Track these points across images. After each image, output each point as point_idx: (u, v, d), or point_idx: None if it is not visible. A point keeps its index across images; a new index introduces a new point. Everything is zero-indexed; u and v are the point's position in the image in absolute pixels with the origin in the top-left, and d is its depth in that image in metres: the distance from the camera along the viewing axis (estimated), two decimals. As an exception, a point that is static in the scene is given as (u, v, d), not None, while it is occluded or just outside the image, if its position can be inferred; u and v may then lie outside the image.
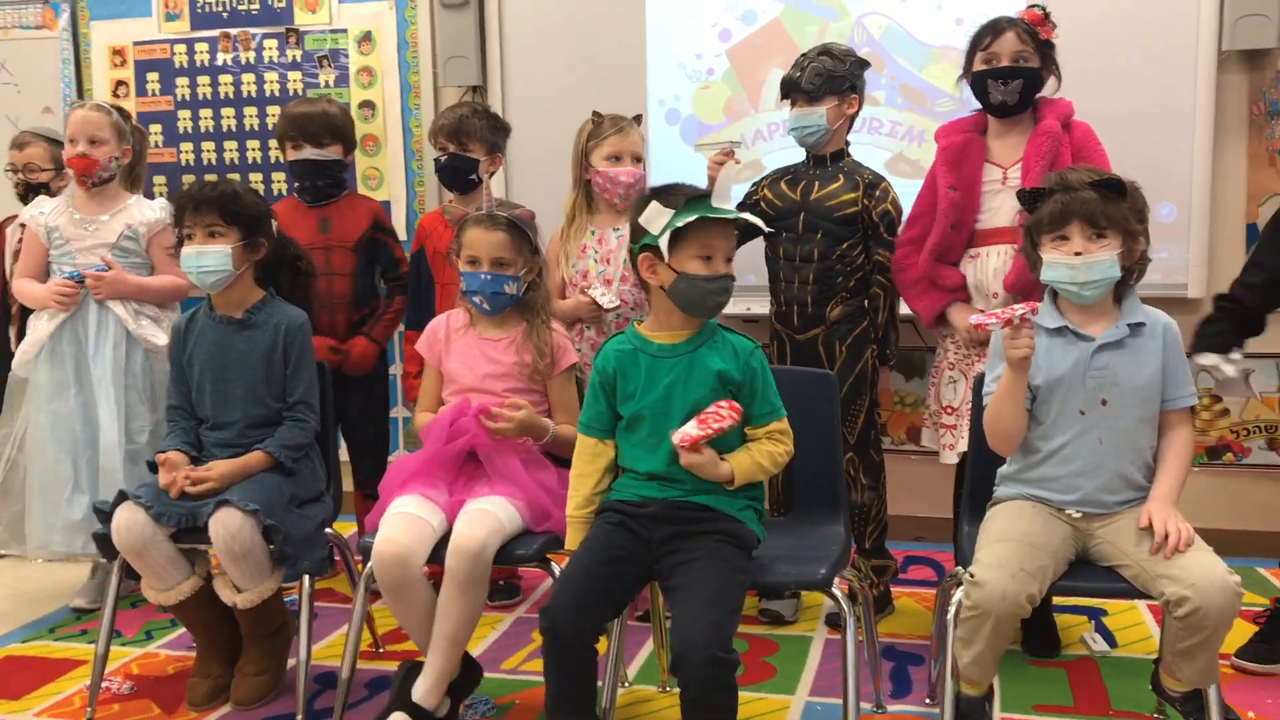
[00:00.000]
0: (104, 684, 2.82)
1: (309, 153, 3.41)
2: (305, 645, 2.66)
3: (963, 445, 2.85)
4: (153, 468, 2.74)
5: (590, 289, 3.10)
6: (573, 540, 2.32)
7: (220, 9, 4.37)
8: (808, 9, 3.90)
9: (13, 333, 3.66)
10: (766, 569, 2.29)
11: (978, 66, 2.88)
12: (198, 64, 4.41)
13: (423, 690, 2.44)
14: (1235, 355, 2.69)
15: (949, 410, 2.97)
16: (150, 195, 4.25)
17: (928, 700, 2.71)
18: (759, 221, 2.25)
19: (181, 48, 4.42)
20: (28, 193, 3.67)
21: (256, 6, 4.34)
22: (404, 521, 2.43)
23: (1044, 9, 2.88)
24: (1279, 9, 3.50)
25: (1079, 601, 3.25)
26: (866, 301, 3.14)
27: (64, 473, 3.20)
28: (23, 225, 3.46)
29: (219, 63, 4.39)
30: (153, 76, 4.45)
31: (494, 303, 2.65)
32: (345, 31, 4.28)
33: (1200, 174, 3.62)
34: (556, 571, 2.38)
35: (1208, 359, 2.69)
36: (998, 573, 2.15)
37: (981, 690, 2.31)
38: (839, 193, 3.09)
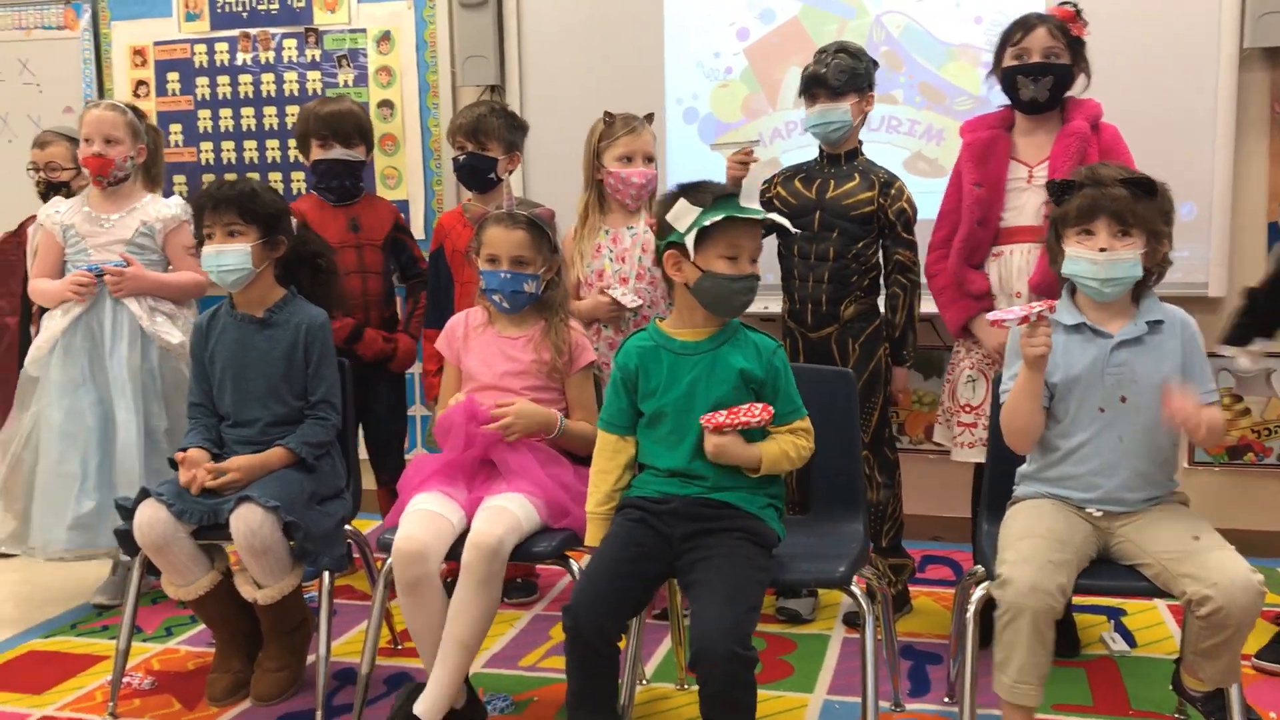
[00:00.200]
0: (125, 679, 2.84)
1: (339, 152, 3.41)
2: (325, 641, 2.67)
3: (983, 449, 2.84)
4: (173, 465, 2.76)
5: (610, 289, 3.10)
6: (593, 537, 2.33)
7: (240, 9, 4.39)
8: (826, 7, 3.89)
9: (34, 331, 3.68)
10: (785, 566, 2.29)
11: (1008, 62, 2.86)
12: (218, 64, 4.43)
13: (426, 705, 2.38)
14: (1254, 347, 2.67)
15: (967, 409, 2.96)
16: (170, 194, 4.30)
17: (946, 699, 2.70)
18: (786, 222, 2.25)
19: (201, 48, 4.44)
20: (49, 191, 3.69)
21: (276, 6, 4.36)
22: (424, 518, 2.44)
23: (1076, 5, 2.85)
24: (1301, 6, 3.49)
25: (1098, 601, 3.24)
26: (884, 300, 3.13)
27: (72, 470, 3.21)
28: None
29: (239, 62, 4.41)
30: (173, 76, 4.48)
31: (513, 301, 2.65)
32: (364, 31, 4.30)
33: (1221, 172, 3.61)
34: (575, 569, 2.39)
35: (1227, 350, 2.69)
36: (1024, 568, 2.13)
37: None
38: (855, 191, 3.08)
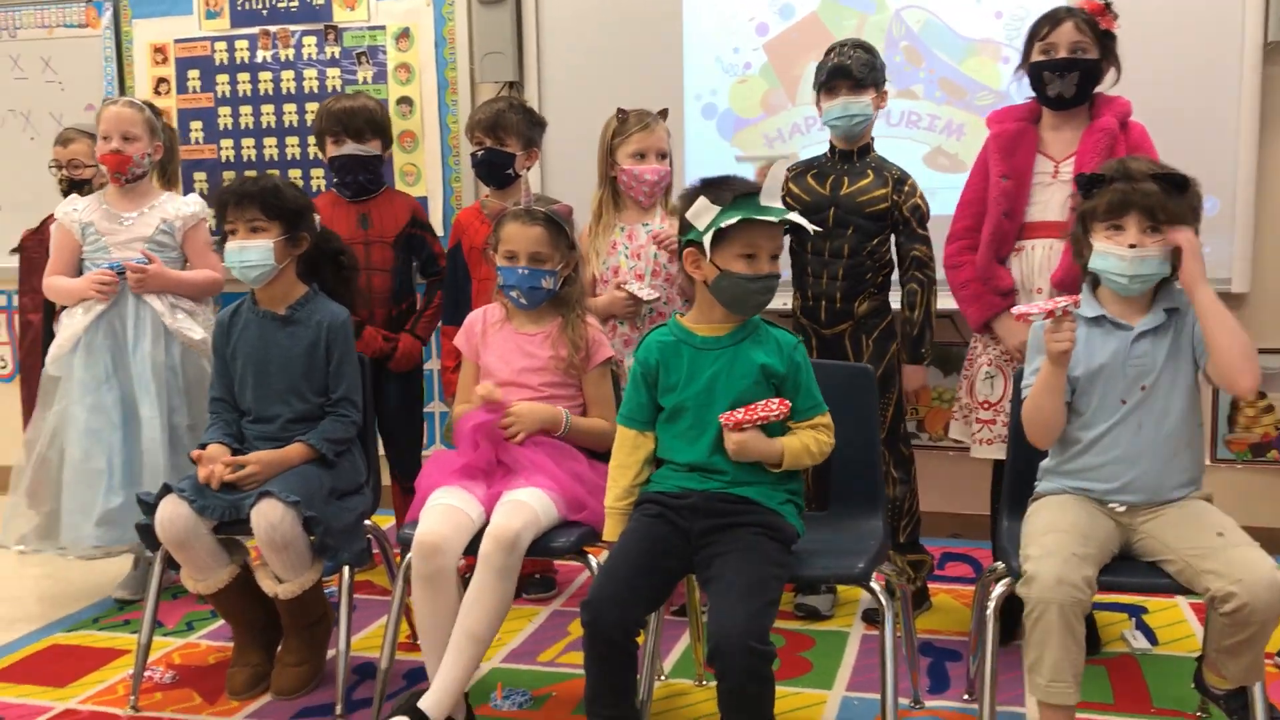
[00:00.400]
0: (146, 673, 2.85)
1: (350, 148, 3.43)
2: (345, 636, 2.68)
3: (1001, 446, 2.84)
4: (195, 461, 2.77)
5: (626, 284, 3.10)
6: (612, 532, 2.33)
7: (260, 7, 4.40)
8: (846, 2, 3.88)
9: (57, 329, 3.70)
10: (804, 562, 2.28)
11: (1035, 57, 2.84)
12: (238, 61, 4.44)
13: (432, 700, 2.36)
14: None
15: (985, 405, 2.94)
16: (190, 191, 4.33)
17: (965, 696, 2.69)
18: (805, 222, 2.23)
19: (222, 45, 4.45)
20: (71, 189, 3.71)
21: (295, 4, 4.37)
22: (444, 513, 2.44)
23: None
24: (1327, 0, 3.46)
25: (1120, 599, 3.22)
26: (901, 297, 3.11)
27: (99, 468, 3.23)
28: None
29: (259, 60, 4.42)
30: (193, 74, 4.49)
31: (531, 297, 2.65)
32: (383, 28, 4.30)
33: (1245, 167, 3.58)
34: (593, 564, 2.39)
35: None
36: (1049, 562, 2.12)
37: None
38: (870, 188, 3.07)
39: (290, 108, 4.40)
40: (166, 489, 2.68)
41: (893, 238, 3.13)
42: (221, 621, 3.12)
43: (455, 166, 4.28)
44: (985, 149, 2.96)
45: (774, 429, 2.25)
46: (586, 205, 3.22)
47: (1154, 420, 2.27)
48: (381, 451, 3.60)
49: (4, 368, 4.85)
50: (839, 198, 3.08)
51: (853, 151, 3.12)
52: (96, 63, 4.58)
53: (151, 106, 3.43)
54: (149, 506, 2.68)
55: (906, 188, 3.08)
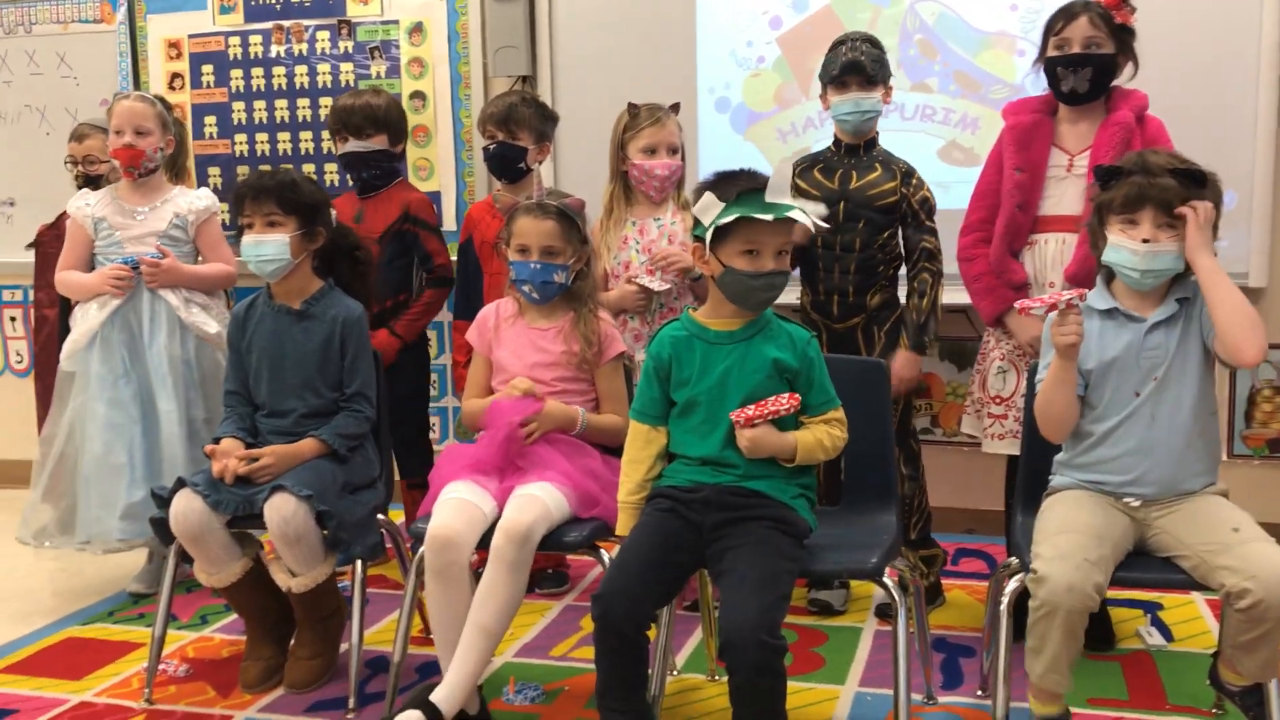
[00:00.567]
0: (161, 666, 2.87)
1: (352, 145, 3.44)
2: (358, 630, 2.69)
3: (1013, 441, 2.82)
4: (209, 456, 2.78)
5: (637, 278, 3.10)
6: (624, 526, 2.33)
7: (273, 1, 4.41)
8: (859, -5, 3.87)
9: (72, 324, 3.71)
10: (817, 557, 2.28)
11: (1050, 52, 2.81)
12: (251, 56, 4.45)
13: (444, 693, 2.37)
14: None
15: (998, 400, 2.93)
16: (204, 185, 4.34)
17: (979, 692, 2.68)
18: (806, 220, 2.19)
19: (235, 40, 4.46)
20: (86, 184, 3.72)
21: (309, -1, 4.38)
22: (457, 506, 2.44)
23: None
24: (1345, -9, 3.43)
25: (1135, 595, 3.20)
26: (910, 286, 3.09)
27: (119, 462, 3.25)
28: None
29: (272, 55, 4.43)
30: (207, 69, 4.50)
31: (543, 292, 2.65)
32: (396, 23, 4.30)
33: (1263, 160, 3.55)
34: (605, 559, 2.38)
35: None
36: (1061, 564, 2.11)
37: (1058, 709, 2.22)
38: (879, 182, 3.06)
39: (304, 102, 4.41)
40: (180, 483, 2.69)
41: (900, 230, 3.11)
42: (235, 615, 3.13)
43: (468, 161, 4.28)
44: (1000, 141, 2.94)
45: (786, 424, 2.25)
46: (598, 200, 3.21)
47: (1167, 411, 2.26)
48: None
49: (21, 362, 4.88)
50: (849, 192, 3.07)
51: (859, 146, 3.10)
52: (111, 58, 4.59)
53: (163, 101, 3.44)
54: (163, 500, 2.69)
55: (915, 181, 3.07)
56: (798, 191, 3.11)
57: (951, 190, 3.31)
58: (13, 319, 4.89)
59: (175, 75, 4.55)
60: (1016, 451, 2.74)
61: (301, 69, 4.40)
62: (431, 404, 3.84)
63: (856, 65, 3.01)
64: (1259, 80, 3.52)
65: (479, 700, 2.50)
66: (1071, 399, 2.29)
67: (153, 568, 3.56)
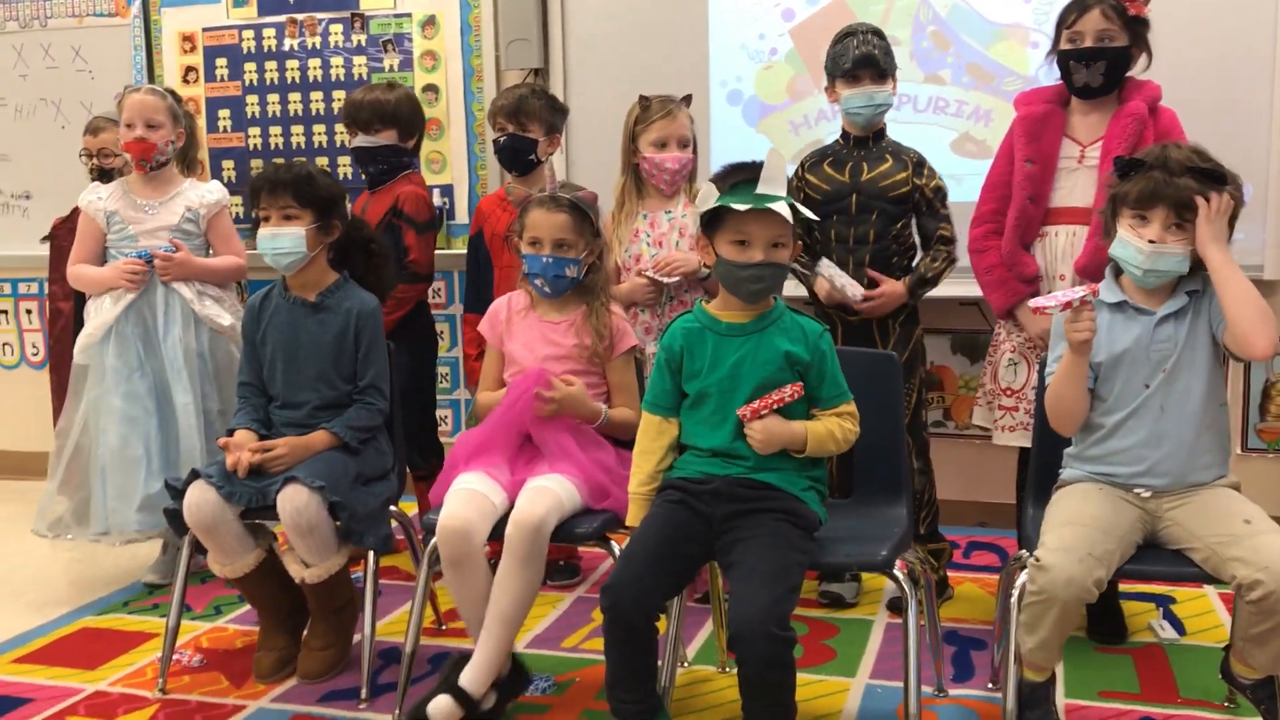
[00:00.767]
0: (175, 656, 2.89)
1: (360, 140, 3.46)
2: (370, 621, 2.70)
3: (1024, 433, 2.82)
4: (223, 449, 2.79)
5: (646, 270, 3.10)
6: (634, 517, 2.33)
7: (287, -5, 4.43)
8: (872, -13, 3.85)
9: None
10: (827, 549, 2.28)
11: (1063, 45, 2.80)
12: (265, 49, 4.46)
13: (470, 677, 2.44)
14: None
15: (1008, 392, 2.93)
16: (219, 178, 4.36)
17: (990, 685, 2.68)
18: (786, 211, 2.16)
19: (249, 33, 4.47)
20: (101, 178, 3.74)
21: (322, -9, 4.39)
22: (467, 497, 2.46)
23: None
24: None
25: (1147, 589, 3.20)
26: (929, 255, 3.09)
27: (136, 454, 3.27)
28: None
29: (286, 48, 4.44)
30: (221, 62, 4.52)
31: (555, 285, 2.65)
32: (409, 16, 4.31)
33: (1277, 152, 3.53)
34: (616, 550, 2.39)
35: None
36: (1064, 557, 2.11)
37: (1044, 676, 2.27)
38: (891, 172, 3.06)
39: (317, 95, 4.42)
40: (194, 475, 2.71)
41: (914, 220, 3.11)
42: (248, 606, 3.15)
43: (481, 154, 4.29)
44: (1011, 132, 2.93)
45: (796, 416, 2.25)
46: (611, 193, 3.21)
47: (1176, 402, 2.26)
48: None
49: (37, 355, 4.91)
50: (860, 184, 3.07)
51: (868, 137, 3.10)
52: (126, 51, 4.61)
53: (173, 93, 3.46)
54: (177, 492, 2.70)
55: (926, 170, 3.07)
56: (808, 187, 3.12)
57: (964, 183, 3.30)
58: (28, 311, 4.93)
59: (189, 68, 4.56)
60: (1027, 443, 2.74)
61: (315, 62, 4.41)
62: (443, 397, 3.85)
63: (870, 59, 3.00)
64: (1274, 72, 3.50)
65: (510, 662, 2.54)
66: (1082, 393, 2.29)
67: (167, 558, 3.58)
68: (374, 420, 2.84)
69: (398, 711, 2.56)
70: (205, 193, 3.43)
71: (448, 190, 4.27)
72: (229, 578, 2.77)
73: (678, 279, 3.08)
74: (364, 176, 3.55)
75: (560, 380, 2.57)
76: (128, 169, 3.66)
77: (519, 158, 3.33)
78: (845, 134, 3.14)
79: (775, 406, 2.21)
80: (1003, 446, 2.98)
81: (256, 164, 4.44)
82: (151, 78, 4.56)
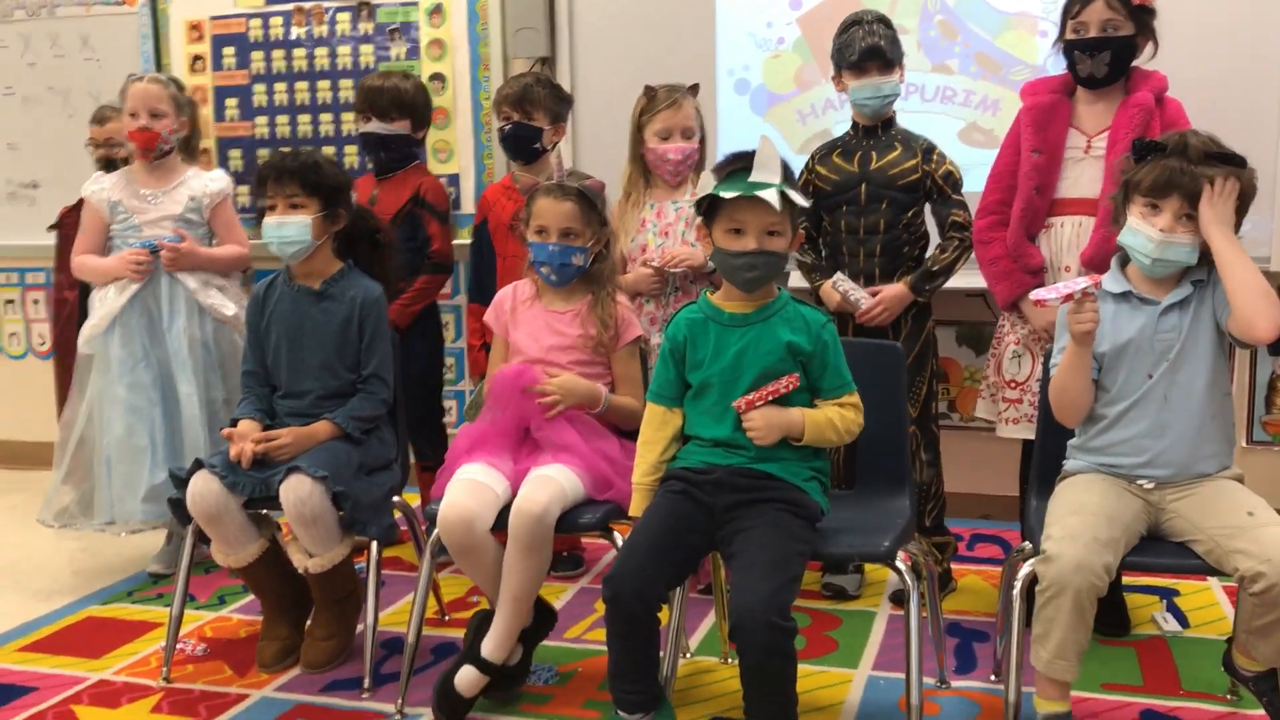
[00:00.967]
0: (179, 645, 2.90)
1: (375, 126, 3.46)
2: (373, 611, 2.71)
3: (1028, 425, 2.81)
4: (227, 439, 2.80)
5: (652, 261, 3.09)
6: (637, 507, 2.33)
7: (294, -16, 4.42)
8: (880, -25, 3.83)
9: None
10: (829, 540, 2.28)
11: (1068, 35, 2.78)
12: (272, 38, 4.46)
13: (491, 646, 2.48)
14: None
15: (1013, 384, 2.92)
16: (226, 167, 4.36)
17: (992, 677, 2.67)
18: (776, 198, 2.14)
19: (257, 22, 4.47)
20: (108, 167, 3.74)
21: (329, -20, 4.39)
22: (469, 487, 2.46)
23: None
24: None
25: (1150, 581, 3.19)
26: (937, 246, 3.07)
27: (141, 444, 3.28)
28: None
29: (293, 37, 4.44)
30: (229, 51, 4.52)
31: (561, 274, 2.65)
32: (416, 4, 4.30)
33: (1287, 143, 3.51)
34: (619, 541, 2.39)
35: None
36: (1070, 544, 2.10)
37: (1063, 703, 2.18)
38: (900, 160, 3.04)
39: (324, 84, 4.42)
40: (198, 464, 2.71)
41: (927, 208, 3.10)
42: (252, 596, 3.15)
43: (487, 143, 4.28)
44: (1017, 122, 2.91)
45: (796, 405, 2.25)
46: (618, 182, 3.21)
47: (1180, 393, 2.24)
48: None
49: (44, 345, 4.92)
50: (869, 173, 3.05)
51: (876, 127, 3.08)
52: (133, 40, 4.61)
53: (176, 82, 3.45)
54: (181, 481, 2.71)
55: (935, 156, 3.05)
56: (817, 179, 3.11)
57: (972, 172, 3.27)
58: (36, 301, 4.94)
59: (196, 57, 4.56)
60: (1031, 436, 2.73)
61: (322, 51, 4.41)
62: (448, 388, 3.85)
63: (875, 50, 2.99)
64: (1283, 59, 3.48)
65: (534, 612, 2.57)
66: (1086, 384, 2.28)
67: (172, 548, 3.59)
68: (377, 410, 2.84)
69: (400, 701, 2.57)
70: (209, 182, 3.43)
71: (454, 179, 4.26)
72: (232, 567, 2.77)
73: (683, 270, 3.08)
74: (370, 163, 3.54)
75: (545, 372, 2.57)
76: (134, 158, 3.67)
77: (523, 146, 3.33)
78: (855, 124, 3.13)
79: (770, 398, 2.21)
80: (1007, 439, 2.96)
81: (263, 153, 4.43)
82: (159, 66, 4.56)
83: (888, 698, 2.60)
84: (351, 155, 4.37)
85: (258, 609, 2.96)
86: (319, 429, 2.75)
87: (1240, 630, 2.21)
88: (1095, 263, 2.67)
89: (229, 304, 3.37)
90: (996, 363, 2.98)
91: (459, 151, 4.32)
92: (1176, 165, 2.19)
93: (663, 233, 3.14)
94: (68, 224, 3.97)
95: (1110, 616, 2.90)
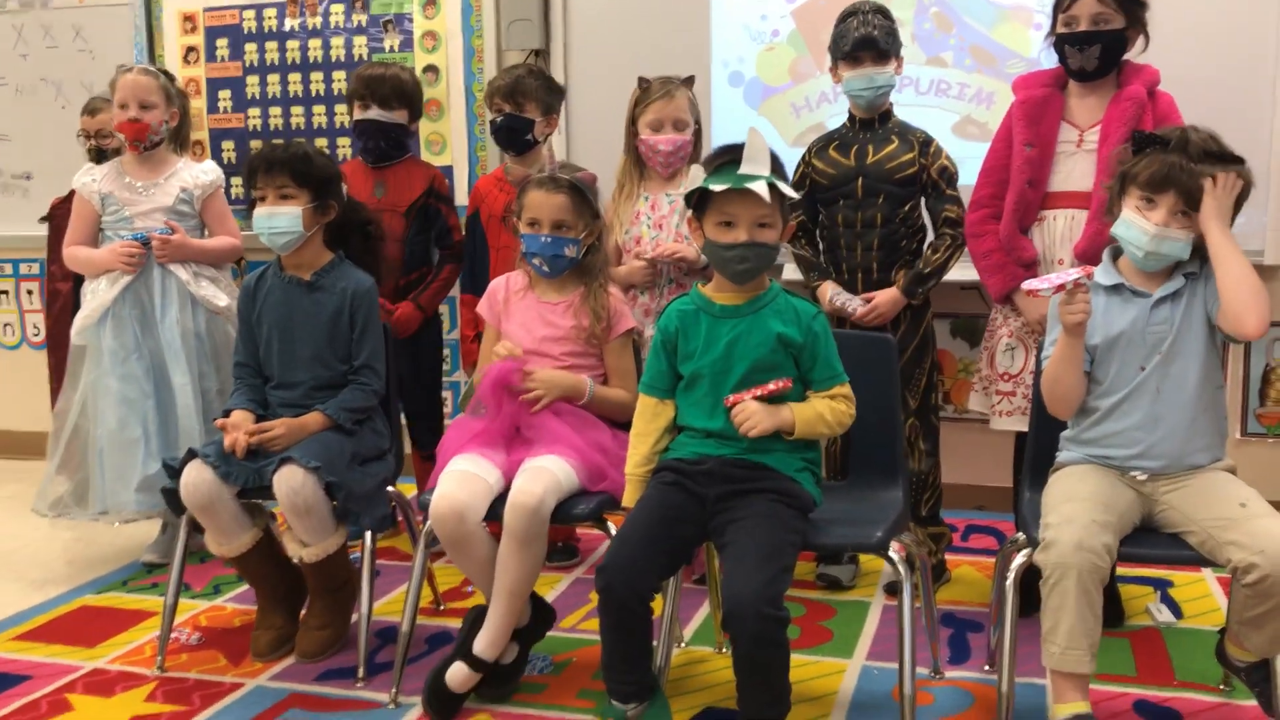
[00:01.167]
0: (173, 635, 2.90)
1: (375, 113, 3.45)
2: (367, 600, 2.71)
3: (1021, 418, 2.81)
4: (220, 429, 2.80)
5: (645, 254, 3.09)
6: (630, 498, 2.34)
7: (288, -26, 4.41)
8: (875, -32, 3.82)
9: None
10: (822, 531, 2.28)
11: (1059, 29, 2.79)
12: (266, 30, 4.45)
13: (484, 643, 2.47)
14: None
15: (1005, 377, 2.92)
16: (219, 159, 4.35)
17: (986, 668, 2.68)
18: (765, 190, 2.14)
19: (250, 13, 4.46)
20: (99, 158, 3.73)
21: (323, -28, 4.38)
22: (461, 478, 2.46)
23: None
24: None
25: (1145, 572, 3.20)
26: (930, 242, 3.07)
27: (134, 435, 3.28)
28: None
29: (286, 28, 4.43)
30: (222, 42, 4.51)
31: (553, 265, 2.65)
32: (410, -4, 4.30)
33: (1280, 132, 3.51)
34: (613, 531, 2.39)
35: None
36: (1068, 528, 2.10)
37: (1082, 703, 2.08)
38: (897, 154, 3.04)
39: (317, 76, 4.41)
40: (191, 454, 2.71)
41: (922, 202, 3.09)
42: (247, 585, 3.15)
43: (481, 135, 4.28)
44: (1009, 115, 2.92)
45: (786, 401, 2.25)
46: (612, 174, 3.21)
47: (1172, 384, 2.25)
48: (404, 421, 3.63)
49: (39, 335, 4.91)
50: (866, 167, 3.05)
51: (873, 119, 3.08)
52: (127, 31, 4.60)
53: (166, 73, 3.44)
54: (174, 471, 2.71)
55: (932, 150, 3.05)
56: (814, 172, 3.11)
57: (965, 165, 3.27)
58: (29, 292, 4.93)
59: (190, 49, 4.55)
60: (1024, 428, 2.73)
61: (315, 43, 4.40)
62: (444, 379, 3.86)
63: (870, 40, 2.99)
64: (1276, 52, 3.48)
65: (530, 608, 2.58)
66: (1078, 376, 2.28)
67: (166, 538, 3.59)
68: (369, 401, 2.84)
69: (394, 691, 2.57)
70: (200, 173, 3.42)
71: (448, 171, 4.25)
72: (226, 557, 2.77)
73: (676, 259, 3.07)
74: (365, 152, 3.53)
75: (523, 371, 2.57)
76: (124, 149, 3.66)
77: (516, 138, 3.33)
78: (852, 116, 3.13)
79: (759, 395, 2.21)
80: (1000, 431, 2.97)
81: (257, 144, 4.43)
82: (152, 58, 4.55)
83: (881, 688, 2.60)
84: (345, 147, 4.37)
85: (253, 598, 2.96)
86: (311, 420, 2.75)
87: (1233, 621, 2.22)
88: (1088, 255, 2.67)
89: (221, 295, 3.36)
90: (989, 356, 2.98)
91: (452, 143, 4.32)
92: (1175, 161, 2.20)
93: (657, 225, 3.14)
94: (59, 215, 3.96)
95: (1105, 607, 2.89)
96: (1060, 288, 2.18)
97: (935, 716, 2.47)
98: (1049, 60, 2.94)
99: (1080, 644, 2.08)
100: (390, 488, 2.86)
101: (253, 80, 4.49)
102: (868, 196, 3.05)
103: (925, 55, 3.79)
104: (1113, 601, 2.93)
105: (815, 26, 3.90)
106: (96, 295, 3.33)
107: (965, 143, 3.71)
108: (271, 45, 4.45)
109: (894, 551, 2.28)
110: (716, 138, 3.86)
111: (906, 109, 3.18)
